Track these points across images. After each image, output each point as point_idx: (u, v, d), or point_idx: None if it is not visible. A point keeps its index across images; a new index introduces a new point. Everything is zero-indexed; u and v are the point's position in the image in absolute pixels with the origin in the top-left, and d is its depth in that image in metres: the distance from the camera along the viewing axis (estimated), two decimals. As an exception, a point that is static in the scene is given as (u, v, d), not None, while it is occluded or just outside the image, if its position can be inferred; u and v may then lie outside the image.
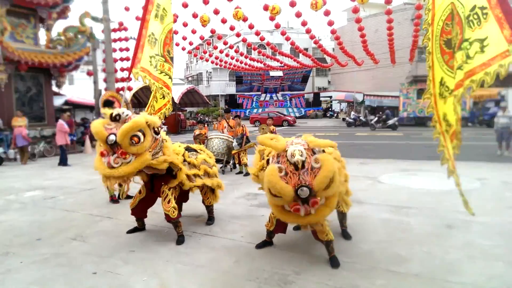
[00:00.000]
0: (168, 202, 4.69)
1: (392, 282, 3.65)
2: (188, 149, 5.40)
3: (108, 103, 6.88)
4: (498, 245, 4.45)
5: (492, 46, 3.09)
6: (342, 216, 4.86)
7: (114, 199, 7.00)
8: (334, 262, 4.00)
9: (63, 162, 12.25)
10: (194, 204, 6.03)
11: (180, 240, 4.80)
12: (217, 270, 3.99)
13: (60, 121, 12.60)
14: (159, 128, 4.45)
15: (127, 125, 3.90)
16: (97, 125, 4.03)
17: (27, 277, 3.92)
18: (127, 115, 4.18)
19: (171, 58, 6.38)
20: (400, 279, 3.69)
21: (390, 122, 24.90)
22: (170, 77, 6.31)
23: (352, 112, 32.33)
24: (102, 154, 3.99)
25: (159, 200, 5.21)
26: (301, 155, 3.38)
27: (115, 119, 4.13)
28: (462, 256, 4.17)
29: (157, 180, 4.88)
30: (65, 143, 12.49)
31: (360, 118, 29.48)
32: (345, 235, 4.82)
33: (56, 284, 3.78)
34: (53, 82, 16.06)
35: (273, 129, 9.93)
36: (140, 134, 3.98)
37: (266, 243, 4.61)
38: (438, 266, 3.93)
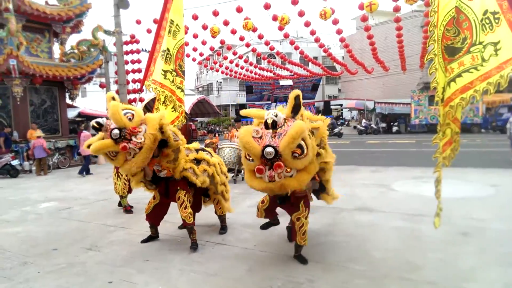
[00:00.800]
0: (185, 208, 4.79)
1: (405, 289, 3.63)
2: (202, 150, 5.53)
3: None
4: (513, 252, 4.40)
5: (505, 50, 3.10)
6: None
7: (127, 209, 7.08)
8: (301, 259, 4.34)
9: (82, 172, 12.47)
10: (207, 214, 6.07)
11: (193, 247, 4.84)
12: (230, 278, 4.02)
13: (86, 132, 12.74)
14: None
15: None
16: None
17: (45, 286, 3.99)
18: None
19: (183, 72, 6.49)
20: (413, 286, 3.67)
21: (336, 130, 27.95)
22: (182, 90, 6.42)
23: (363, 120, 32.23)
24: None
25: (171, 210, 5.29)
26: (276, 116, 3.32)
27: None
28: (477, 263, 4.14)
29: (172, 185, 4.94)
30: (90, 153, 12.63)
31: (372, 125, 29.47)
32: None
33: (72, 293, 3.84)
34: (67, 94, 16.38)
35: None
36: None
37: (269, 224, 4.83)
38: (452, 274, 3.90)
